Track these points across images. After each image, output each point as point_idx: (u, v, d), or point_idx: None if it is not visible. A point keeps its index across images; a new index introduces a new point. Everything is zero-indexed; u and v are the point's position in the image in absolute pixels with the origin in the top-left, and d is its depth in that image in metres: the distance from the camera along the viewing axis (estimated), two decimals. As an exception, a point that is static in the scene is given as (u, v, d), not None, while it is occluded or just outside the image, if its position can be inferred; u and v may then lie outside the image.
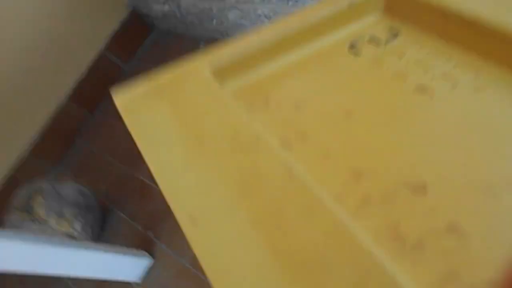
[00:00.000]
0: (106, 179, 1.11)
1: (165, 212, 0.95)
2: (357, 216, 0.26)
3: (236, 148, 0.28)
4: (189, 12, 1.13)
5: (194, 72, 0.34)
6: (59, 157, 1.22)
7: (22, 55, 1.09)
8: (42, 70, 1.15)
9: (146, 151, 0.29)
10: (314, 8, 0.36)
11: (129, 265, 0.85)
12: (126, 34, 1.31)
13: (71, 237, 0.89)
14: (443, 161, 0.27)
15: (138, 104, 0.32)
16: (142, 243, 0.92)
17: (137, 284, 0.86)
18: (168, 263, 0.87)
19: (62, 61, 1.18)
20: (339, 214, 0.24)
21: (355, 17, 0.38)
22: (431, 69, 0.33)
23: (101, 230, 0.99)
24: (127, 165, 1.11)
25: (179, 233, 0.87)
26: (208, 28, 1.17)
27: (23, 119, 1.14)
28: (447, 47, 0.34)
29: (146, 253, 0.89)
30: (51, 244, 0.67)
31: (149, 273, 0.87)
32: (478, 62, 0.32)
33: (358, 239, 0.22)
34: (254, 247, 0.23)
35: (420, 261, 0.23)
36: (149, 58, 1.34)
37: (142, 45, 1.38)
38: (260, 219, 0.24)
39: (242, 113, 0.30)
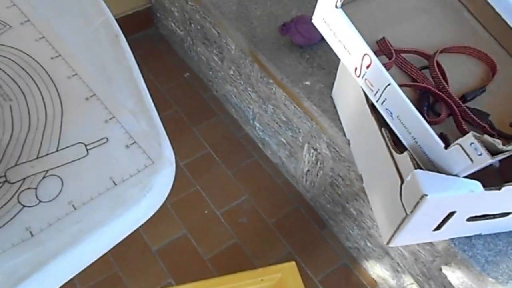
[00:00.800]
0: None
1: None
2: None
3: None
4: (196, 49, 1.38)
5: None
6: None
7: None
8: None
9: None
10: (241, 277, 0.74)
11: None
12: (137, 16, 1.49)
13: None
14: None
15: None
16: None
17: None
18: None
19: None
20: None
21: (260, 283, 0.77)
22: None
23: None
24: None
25: None
26: (200, 68, 1.43)
27: None
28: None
29: None
30: None
31: None
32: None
33: None
34: None
35: None
36: (137, 46, 1.54)
37: (138, 33, 1.56)
38: None
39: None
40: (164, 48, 1.55)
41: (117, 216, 0.43)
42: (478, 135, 0.52)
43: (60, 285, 0.42)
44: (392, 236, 0.70)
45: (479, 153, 0.53)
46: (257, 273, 0.77)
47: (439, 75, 0.67)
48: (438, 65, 0.69)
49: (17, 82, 0.52)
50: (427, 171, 0.59)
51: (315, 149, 1.05)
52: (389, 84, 0.62)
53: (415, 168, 0.60)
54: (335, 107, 0.90)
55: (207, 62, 1.35)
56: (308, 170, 1.14)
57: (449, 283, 0.86)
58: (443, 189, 0.58)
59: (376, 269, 1.11)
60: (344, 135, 0.86)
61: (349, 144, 0.85)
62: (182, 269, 1.12)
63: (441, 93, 0.67)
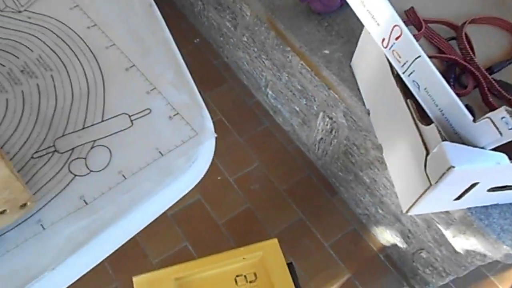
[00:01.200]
0: None
1: None
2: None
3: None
4: (207, 15, 1.36)
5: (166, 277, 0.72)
6: None
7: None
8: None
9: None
10: (225, 256, 0.77)
11: None
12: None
13: None
14: None
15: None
16: None
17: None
18: None
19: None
20: None
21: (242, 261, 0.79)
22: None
23: None
24: None
25: None
26: (211, 34, 1.42)
27: None
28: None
29: None
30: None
31: None
32: None
33: None
34: None
35: None
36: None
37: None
38: None
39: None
40: (173, 12, 1.53)
41: (165, 186, 0.44)
42: (510, 109, 0.53)
43: (114, 250, 0.43)
44: (413, 205, 0.72)
45: (510, 127, 0.54)
46: (239, 252, 0.79)
47: (467, 46, 0.68)
48: (466, 36, 0.69)
49: (56, 52, 0.52)
50: (455, 144, 0.61)
51: (331, 118, 1.06)
52: (419, 56, 0.62)
53: (442, 140, 0.61)
54: (354, 76, 0.90)
55: (218, 28, 1.34)
56: (322, 138, 1.15)
57: (462, 249, 0.89)
58: (470, 161, 0.60)
59: (385, 235, 1.15)
60: (363, 104, 0.87)
61: (368, 114, 0.86)
62: (197, 233, 1.15)
63: (468, 65, 0.67)
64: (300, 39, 0.95)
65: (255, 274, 0.77)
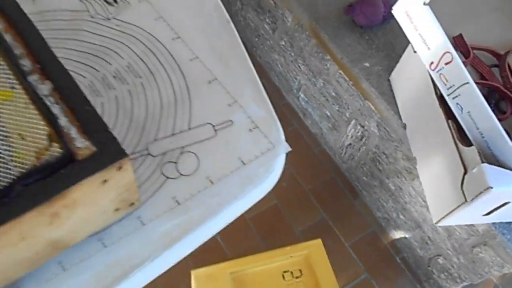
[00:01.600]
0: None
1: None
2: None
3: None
4: (245, 15, 1.41)
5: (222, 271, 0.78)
6: None
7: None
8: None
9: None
10: (274, 254, 0.83)
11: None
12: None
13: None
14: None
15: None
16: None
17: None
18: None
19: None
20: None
21: (289, 259, 0.84)
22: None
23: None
24: None
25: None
26: (245, 34, 1.46)
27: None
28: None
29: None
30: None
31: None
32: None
33: None
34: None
35: None
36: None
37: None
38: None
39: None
40: (208, 9, 1.57)
41: (247, 193, 0.49)
42: (551, 140, 0.59)
43: (198, 246, 0.49)
44: (444, 217, 0.78)
45: (549, 156, 0.59)
46: (286, 251, 0.86)
47: (509, 75, 0.73)
48: (508, 65, 0.74)
49: (144, 61, 0.57)
50: (493, 166, 0.66)
51: (362, 126, 1.11)
52: (467, 83, 0.67)
53: (482, 162, 0.66)
54: (391, 90, 0.95)
55: (255, 29, 1.38)
56: (350, 144, 1.21)
57: (480, 259, 0.95)
58: (507, 183, 0.65)
59: (403, 239, 1.20)
60: (400, 118, 0.92)
61: (404, 127, 0.91)
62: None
63: (509, 93, 0.72)
64: (342, 50, 1.00)
65: (300, 271, 0.83)
